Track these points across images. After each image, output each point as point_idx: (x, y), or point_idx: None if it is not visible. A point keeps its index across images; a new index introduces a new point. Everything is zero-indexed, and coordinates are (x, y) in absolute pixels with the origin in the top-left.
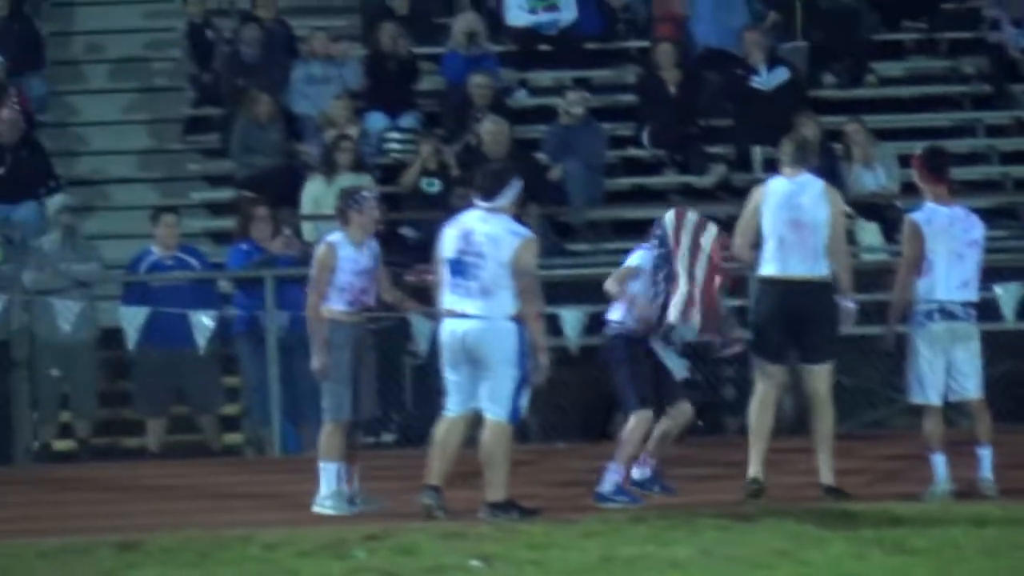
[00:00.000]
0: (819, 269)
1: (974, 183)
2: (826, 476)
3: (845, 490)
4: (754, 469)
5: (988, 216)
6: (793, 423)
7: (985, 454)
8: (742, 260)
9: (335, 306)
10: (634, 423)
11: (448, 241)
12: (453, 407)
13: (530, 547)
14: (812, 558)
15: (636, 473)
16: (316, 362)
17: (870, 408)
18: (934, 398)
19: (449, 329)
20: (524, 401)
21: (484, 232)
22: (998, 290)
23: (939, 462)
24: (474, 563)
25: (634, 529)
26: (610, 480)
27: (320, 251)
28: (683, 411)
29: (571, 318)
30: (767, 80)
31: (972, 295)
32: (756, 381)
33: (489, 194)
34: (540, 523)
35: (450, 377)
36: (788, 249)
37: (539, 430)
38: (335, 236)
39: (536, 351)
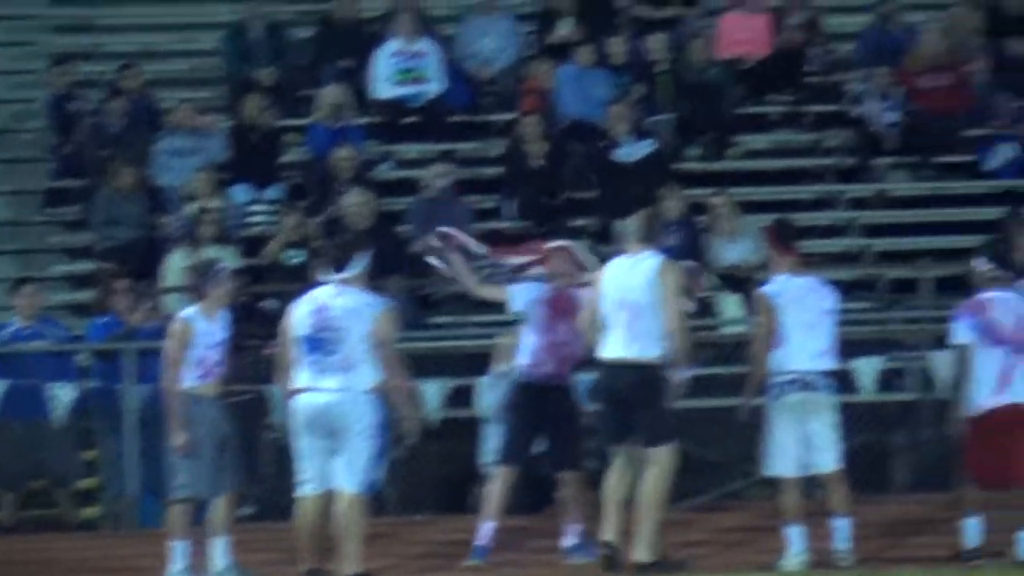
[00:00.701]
0: (645, 351)
1: (835, 255)
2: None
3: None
4: (608, 535)
5: (848, 288)
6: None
7: (841, 525)
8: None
9: (191, 381)
10: (496, 479)
11: (300, 318)
12: (308, 487)
13: None
14: None
15: (565, 541)
16: (176, 438)
17: (728, 479)
18: (789, 470)
19: (306, 402)
20: (379, 473)
21: (340, 306)
22: (857, 363)
23: (795, 533)
24: None
25: None
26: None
27: (175, 327)
28: (573, 478)
29: (432, 390)
30: (631, 153)
31: (830, 364)
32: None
33: (339, 266)
34: None
35: (304, 453)
36: (617, 331)
37: (398, 502)
38: (189, 311)
39: (405, 419)
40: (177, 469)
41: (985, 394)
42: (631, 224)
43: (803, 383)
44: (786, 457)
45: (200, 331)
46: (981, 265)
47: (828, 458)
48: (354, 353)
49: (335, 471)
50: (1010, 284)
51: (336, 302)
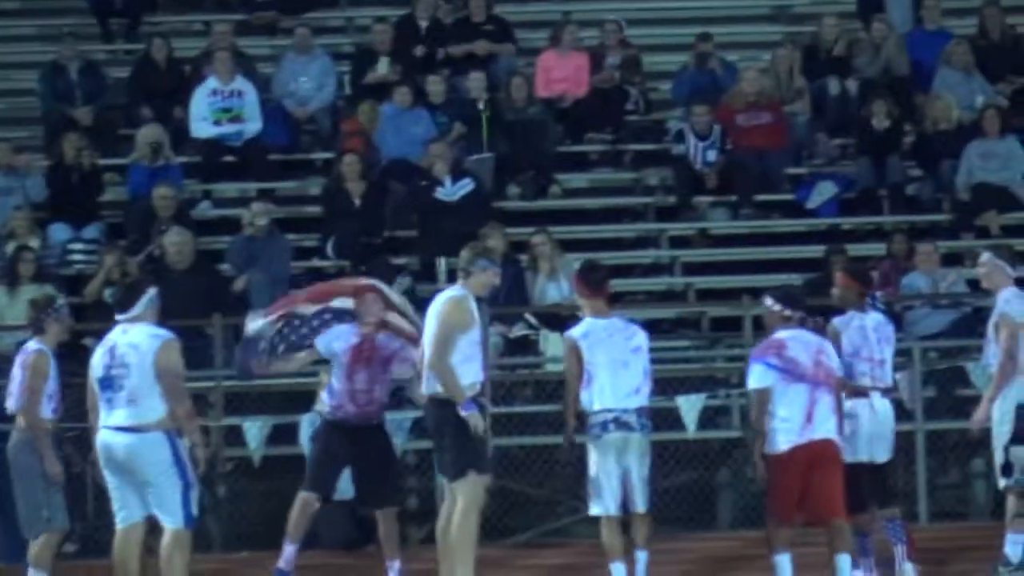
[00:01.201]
0: (429, 386)
1: (658, 293)
2: None
3: None
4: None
5: (671, 327)
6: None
7: (642, 557)
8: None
9: (45, 415)
10: (296, 503)
11: (96, 360)
12: (122, 518)
13: None
14: None
15: None
16: (52, 468)
17: (553, 517)
18: (611, 508)
19: (101, 443)
20: (194, 506)
21: (126, 343)
22: (680, 400)
23: (618, 570)
24: None
25: None
26: None
27: (35, 359)
28: (388, 515)
29: (254, 428)
30: (451, 191)
31: (643, 401)
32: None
33: (124, 307)
34: None
35: (113, 489)
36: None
37: (222, 540)
38: (40, 345)
39: (194, 448)
40: (48, 501)
41: (790, 432)
42: (463, 255)
43: (622, 423)
44: (608, 495)
45: (52, 365)
46: (771, 305)
47: (642, 498)
48: (140, 387)
49: (151, 506)
50: (800, 322)
51: (122, 340)
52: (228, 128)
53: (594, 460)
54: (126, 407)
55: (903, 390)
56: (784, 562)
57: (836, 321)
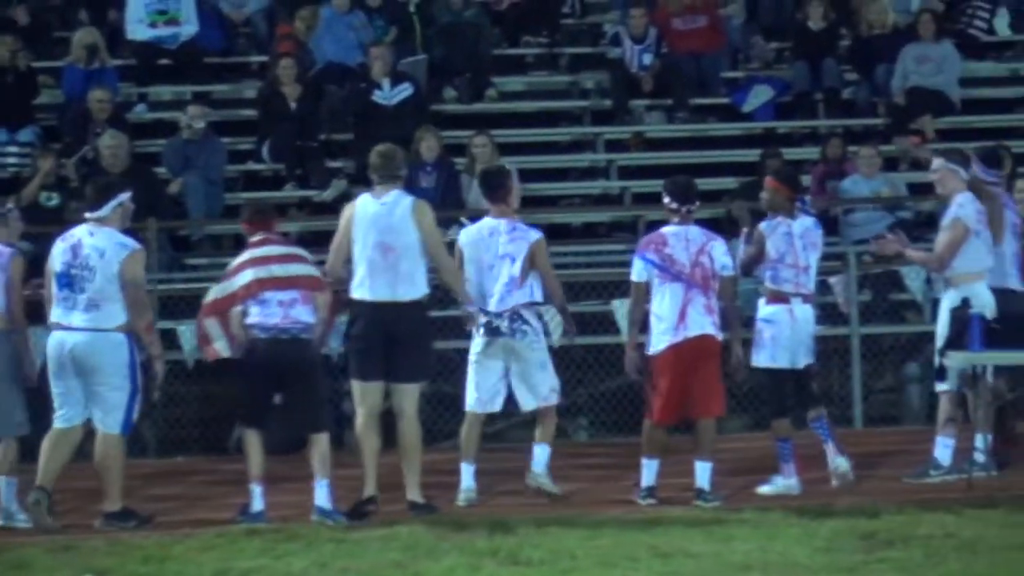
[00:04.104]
0: (410, 292)
1: (594, 197)
2: (412, 493)
3: (432, 504)
4: (369, 488)
5: (606, 231)
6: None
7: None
8: (336, 278)
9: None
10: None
11: (57, 255)
12: (63, 420)
13: (145, 560)
14: (426, 569)
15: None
16: (31, 368)
17: (488, 421)
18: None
19: (57, 341)
20: (136, 413)
21: (91, 245)
22: (615, 304)
23: (468, 471)
24: None
25: (250, 542)
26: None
27: (11, 258)
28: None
29: (188, 332)
30: (390, 95)
31: (511, 303)
32: (356, 406)
33: (94, 206)
34: (156, 536)
35: (57, 390)
36: (377, 273)
37: (157, 444)
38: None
39: (152, 361)
40: (23, 403)
41: (665, 332)
42: (372, 163)
43: (490, 327)
44: (473, 393)
45: None
46: (663, 197)
47: (527, 398)
48: (102, 292)
49: (92, 410)
50: (689, 219)
51: (88, 241)
52: (164, 31)
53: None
54: (86, 311)
55: (838, 295)
56: (653, 466)
57: (762, 226)
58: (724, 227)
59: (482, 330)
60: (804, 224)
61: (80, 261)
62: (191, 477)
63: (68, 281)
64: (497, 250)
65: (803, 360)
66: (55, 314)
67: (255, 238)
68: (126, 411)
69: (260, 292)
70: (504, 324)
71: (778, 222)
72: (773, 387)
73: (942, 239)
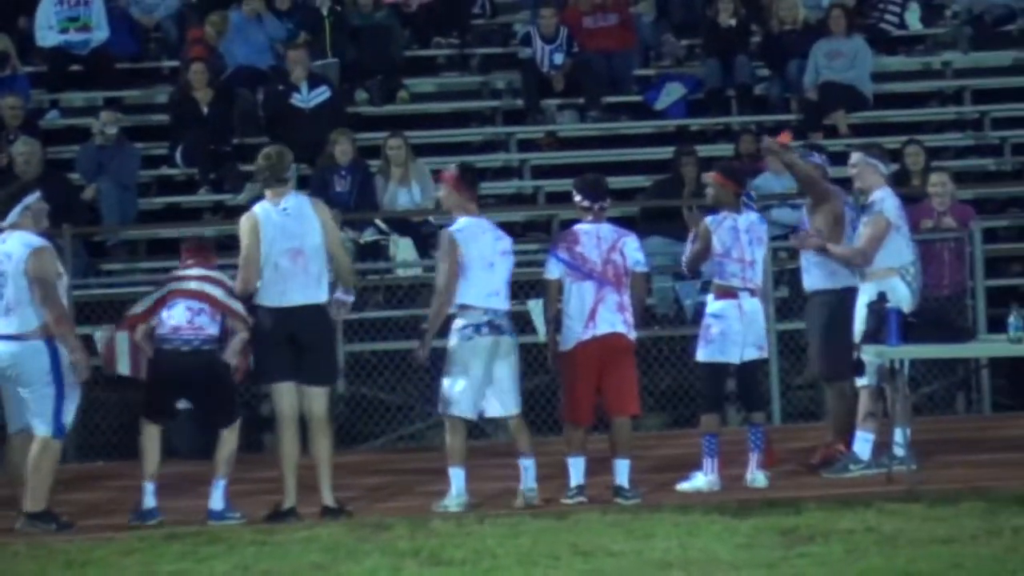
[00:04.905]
0: (319, 295)
1: (508, 197)
2: (326, 497)
3: (345, 508)
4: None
5: (520, 230)
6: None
7: (528, 465)
8: (252, 292)
9: None
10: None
11: None
12: (12, 427)
13: (67, 565)
14: (348, 571)
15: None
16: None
17: (406, 422)
18: (468, 411)
19: None
20: (69, 416)
21: (3, 252)
22: (530, 304)
23: (458, 475)
24: None
25: (171, 546)
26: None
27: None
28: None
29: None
30: (307, 98)
31: (505, 304)
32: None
33: (2, 213)
34: (78, 540)
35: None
36: (286, 277)
37: (76, 450)
38: None
39: (70, 352)
40: None
41: (574, 329)
42: (258, 165)
43: (492, 325)
44: (465, 398)
45: None
46: (574, 195)
47: (511, 401)
48: (17, 296)
49: (26, 416)
50: (601, 216)
51: (1, 248)
52: (75, 37)
53: (461, 362)
54: (4, 316)
55: None
56: (579, 464)
57: (708, 220)
58: (637, 225)
59: (484, 329)
60: (749, 219)
61: None
62: (111, 481)
63: None
64: (496, 247)
65: (750, 355)
66: None
67: (187, 263)
68: (54, 414)
69: (173, 300)
70: (506, 323)
71: (724, 216)
72: (711, 381)
73: (864, 233)
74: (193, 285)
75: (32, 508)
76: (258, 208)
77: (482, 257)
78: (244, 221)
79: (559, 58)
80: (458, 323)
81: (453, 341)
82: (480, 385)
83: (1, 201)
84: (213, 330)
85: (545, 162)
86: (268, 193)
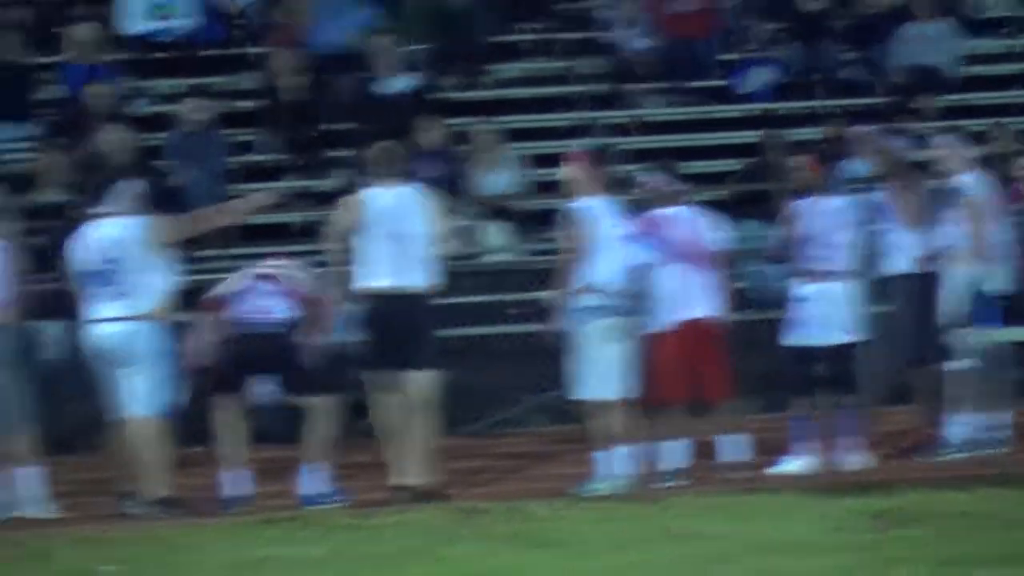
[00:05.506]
0: (419, 280)
1: None
2: (423, 481)
3: (443, 492)
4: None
5: None
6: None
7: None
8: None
9: None
10: None
11: (79, 253)
12: (112, 415)
13: (170, 549)
14: (443, 555)
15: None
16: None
17: (501, 407)
18: (613, 393)
19: (94, 335)
20: (175, 395)
21: (107, 238)
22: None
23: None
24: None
25: (266, 530)
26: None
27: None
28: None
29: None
30: (392, 85)
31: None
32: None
33: (104, 199)
34: (175, 525)
35: (101, 381)
36: (389, 262)
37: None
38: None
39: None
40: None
41: (665, 312)
42: (374, 158)
43: (617, 307)
44: (609, 380)
45: None
46: (655, 182)
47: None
48: (130, 277)
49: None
50: (679, 200)
51: (105, 234)
52: (160, 24)
53: (593, 343)
54: (115, 300)
55: None
56: (677, 448)
57: (796, 204)
58: (728, 209)
59: (611, 310)
60: (838, 202)
61: (103, 255)
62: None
63: (96, 277)
64: (620, 229)
65: (836, 338)
66: (90, 312)
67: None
68: (159, 394)
69: (247, 283)
70: (628, 304)
71: (812, 200)
72: (798, 365)
73: (965, 221)
74: (267, 269)
75: (154, 494)
76: (368, 191)
77: (608, 237)
78: (349, 199)
79: (642, 43)
80: (584, 303)
81: (581, 323)
82: (615, 365)
83: (97, 188)
84: (285, 313)
85: (631, 147)
86: (382, 182)
